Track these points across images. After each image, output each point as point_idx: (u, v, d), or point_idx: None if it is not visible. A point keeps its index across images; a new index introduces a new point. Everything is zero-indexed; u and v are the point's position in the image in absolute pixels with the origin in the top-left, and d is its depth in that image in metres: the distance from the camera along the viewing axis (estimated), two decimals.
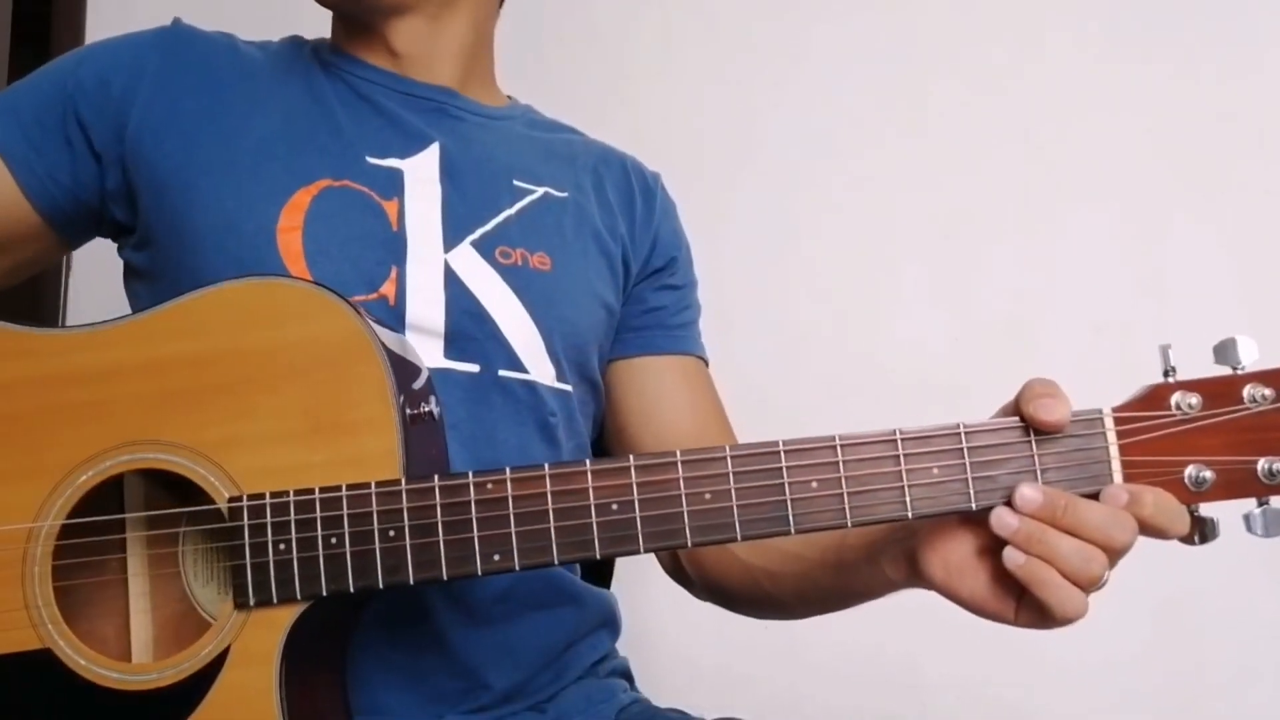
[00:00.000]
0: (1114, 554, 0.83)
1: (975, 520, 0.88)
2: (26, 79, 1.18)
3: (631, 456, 0.88)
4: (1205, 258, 2.04)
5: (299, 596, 0.88)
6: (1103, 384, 0.88)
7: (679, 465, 0.87)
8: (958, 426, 0.86)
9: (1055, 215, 2.09)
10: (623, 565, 1.36)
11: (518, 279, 1.16)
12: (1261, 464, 0.83)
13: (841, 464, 0.86)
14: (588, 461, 0.89)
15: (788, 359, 2.07)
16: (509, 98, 1.36)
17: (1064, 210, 2.09)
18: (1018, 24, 2.14)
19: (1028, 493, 0.83)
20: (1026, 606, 0.87)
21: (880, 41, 2.16)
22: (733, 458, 0.87)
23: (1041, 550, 0.83)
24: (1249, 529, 0.84)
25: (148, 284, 1.17)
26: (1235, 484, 0.83)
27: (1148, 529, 0.83)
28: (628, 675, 1.28)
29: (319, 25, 1.29)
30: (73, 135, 1.14)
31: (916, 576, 0.93)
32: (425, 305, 1.12)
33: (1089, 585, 0.83)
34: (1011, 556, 0.83)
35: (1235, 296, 1.98)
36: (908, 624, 1.80)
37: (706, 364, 1.34)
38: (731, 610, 1.24)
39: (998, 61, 2.14)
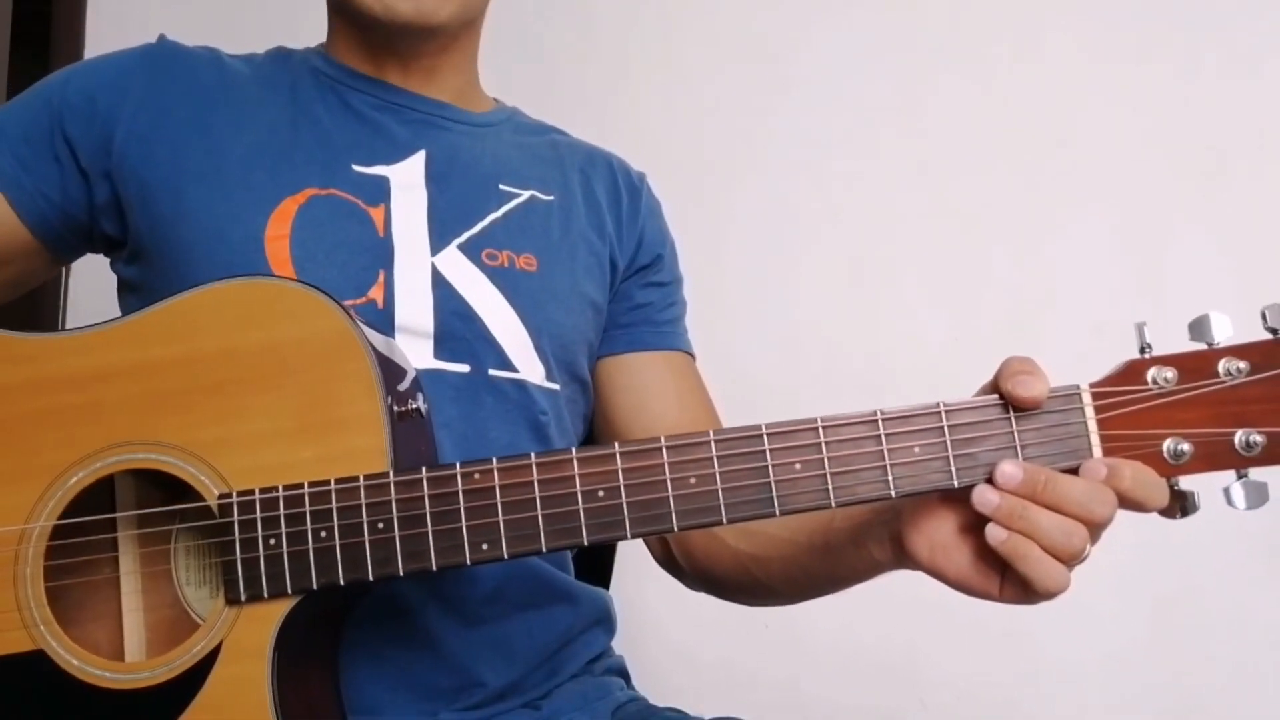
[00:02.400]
0: (1095, 528, 0.83)
1: (958, 498, 0.88)
2: (13, 101, 1.20)
3: (616, 444, 0.89)
4: (1205, 258, 2.03)
5: (290, 591, 0.89)
6: None
7: (664, 451, 0.88)
8: (938, 405, 0.87)
9: (1055, 215, 2.08)
10: (620, 564, 1.36)
11: (505, 280, 1.17)
12: (1238, 436, 0.83)
13: (824, 445, 0.87)
14: (573, 450, 0.89)
15: (787, 359, 2.07)
16: (495, 101, 1.36)
17: (1064, 210, 2.08)
18: (1018, 24, 2.14)
19: (1008, 469, 0.84)
20: (1010, 582, 0.87)
21: (880, 41, 2.16)
22: (716, 442, 0.88)
23: (1023, 526, 0.83)
24: (1229, 502, 0.83)
25: (140, 297, 1.18)
26: (1213, 456, 0.83)
27: (1127, 502, 0.83)
28: (624, 673, 1.28)
29: (311, 36, 1.30)
30: (60, 152, 1.15)
31: (902, 556, 0.93)
32: (414, 308, 1.13)
33: (1071, 559, 0.83)
34: (994, 533, 0.84)
35: (1234, 296, 1.96)
36: (907, 621, 1.81)
37: (693, 359, 1.34)
38: (723, 598, 1.23)
39: (998, 61, 2.14)
